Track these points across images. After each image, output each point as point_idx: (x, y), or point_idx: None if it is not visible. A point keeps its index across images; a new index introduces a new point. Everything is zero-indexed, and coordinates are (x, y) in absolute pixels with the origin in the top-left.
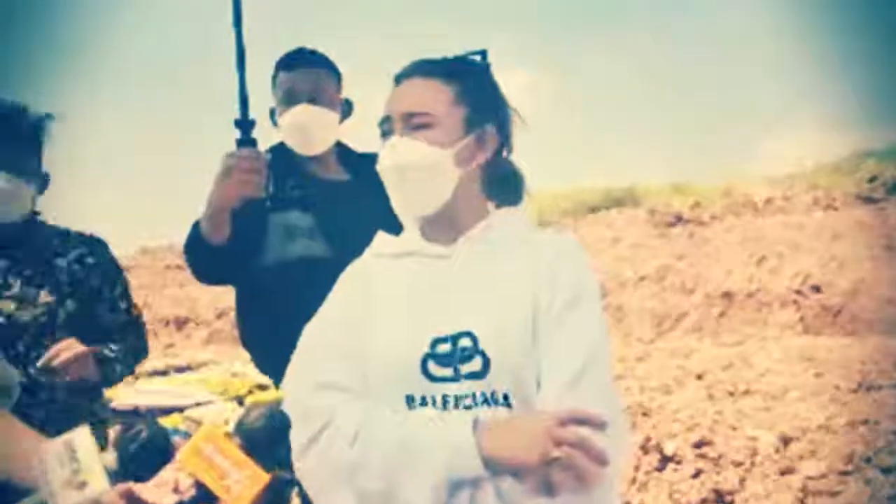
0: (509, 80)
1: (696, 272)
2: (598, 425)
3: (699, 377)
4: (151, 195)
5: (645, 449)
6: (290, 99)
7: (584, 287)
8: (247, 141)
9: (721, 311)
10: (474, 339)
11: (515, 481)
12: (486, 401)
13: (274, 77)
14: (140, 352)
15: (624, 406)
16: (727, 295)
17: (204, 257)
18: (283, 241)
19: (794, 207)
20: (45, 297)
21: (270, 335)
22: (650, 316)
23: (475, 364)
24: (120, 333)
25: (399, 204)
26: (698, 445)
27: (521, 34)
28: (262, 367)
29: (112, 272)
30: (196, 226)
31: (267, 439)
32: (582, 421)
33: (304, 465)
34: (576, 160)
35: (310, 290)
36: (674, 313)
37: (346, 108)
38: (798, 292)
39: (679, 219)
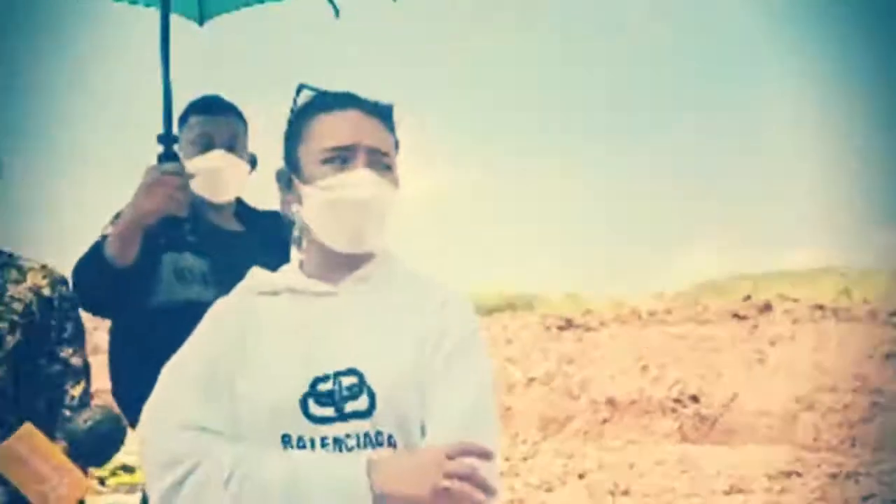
0: (438, 178)
1: (582, 377)
2: (486, 456)
3: (581, 476)
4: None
5: None
6: (205, 144)
7: (471, 334)
8: (170, 155)
9: (605, 418)
10: (360, 377)
11: None
12: (370, 442)
13: (183, 118)
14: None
15: (505, 502)
16: (611, 401)
17: (101, 279)
18: (173, 283)
19: (675, 320)
20: None
21: (145, 381)
22: (538, 418)
23: (361, 402)
24: (51, 385)
25: (344, 236)
26: None
27: (429, 128)
28: (132, 417)
29: (64, 313)
30: (97, 246)
31: (94, 444)
32: (470, 453)
33: None
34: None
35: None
36: (561, 416)
37: (252, 162)
38: (677, 401)
39: (569, 323)
